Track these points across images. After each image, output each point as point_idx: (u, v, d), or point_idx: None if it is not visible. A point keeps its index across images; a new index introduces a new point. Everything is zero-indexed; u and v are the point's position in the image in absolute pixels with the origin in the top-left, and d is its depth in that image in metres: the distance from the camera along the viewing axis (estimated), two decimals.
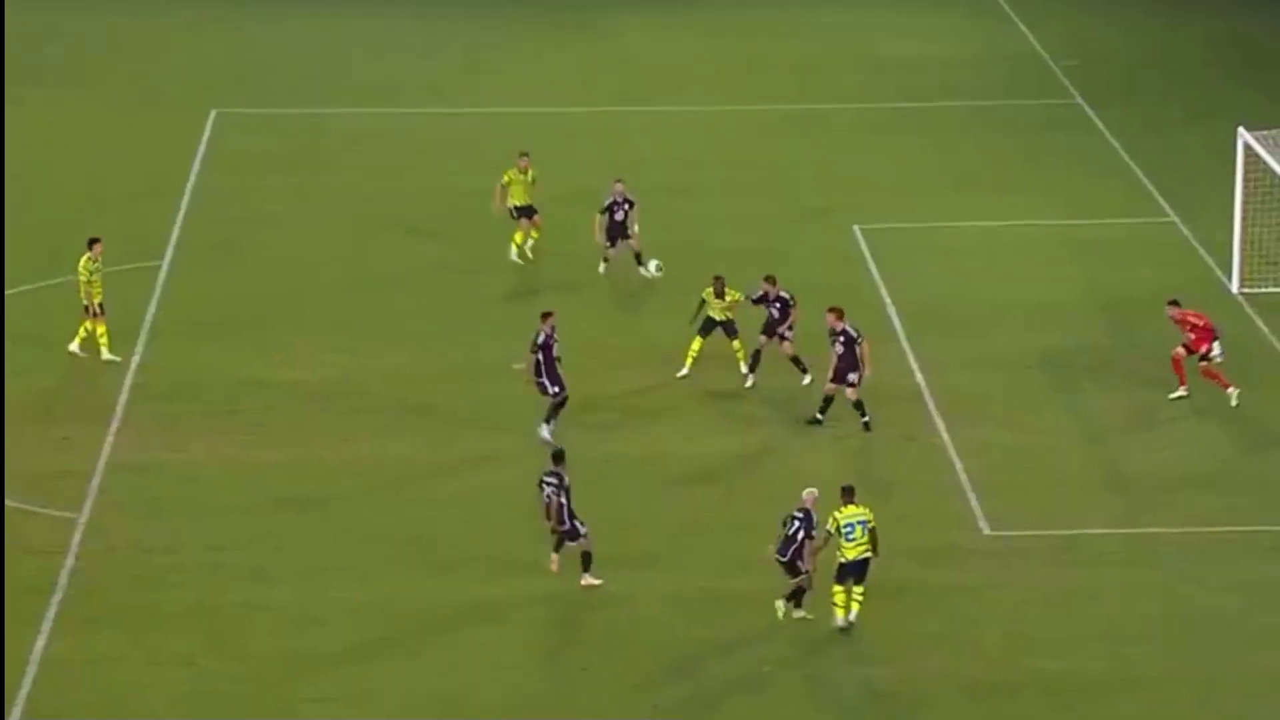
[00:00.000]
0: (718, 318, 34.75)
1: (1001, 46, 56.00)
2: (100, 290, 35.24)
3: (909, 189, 44.28)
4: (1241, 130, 38.96)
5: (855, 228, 41.15)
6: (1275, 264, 38.97)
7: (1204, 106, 49.51)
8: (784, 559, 27.69)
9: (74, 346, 35.44)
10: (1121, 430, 33.53)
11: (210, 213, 42.81)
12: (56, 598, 28.22)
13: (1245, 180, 38.84)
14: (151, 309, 37.68)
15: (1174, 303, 34.56)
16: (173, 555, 29.40)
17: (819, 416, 33.15)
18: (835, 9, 59.92)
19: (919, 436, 33.15)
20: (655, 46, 56.24)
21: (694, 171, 44.17)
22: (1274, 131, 38.68)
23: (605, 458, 31.93)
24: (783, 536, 27.73)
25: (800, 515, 27.70)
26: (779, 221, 42.02)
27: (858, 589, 27.59)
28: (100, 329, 35.35)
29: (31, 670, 26.57)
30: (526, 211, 39.34)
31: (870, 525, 27.53)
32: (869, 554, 27.54)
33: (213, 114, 49.20)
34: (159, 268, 39.57)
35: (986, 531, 30.14)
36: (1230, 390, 33.98)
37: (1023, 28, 57.38)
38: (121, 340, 36.03)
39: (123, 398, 34.22)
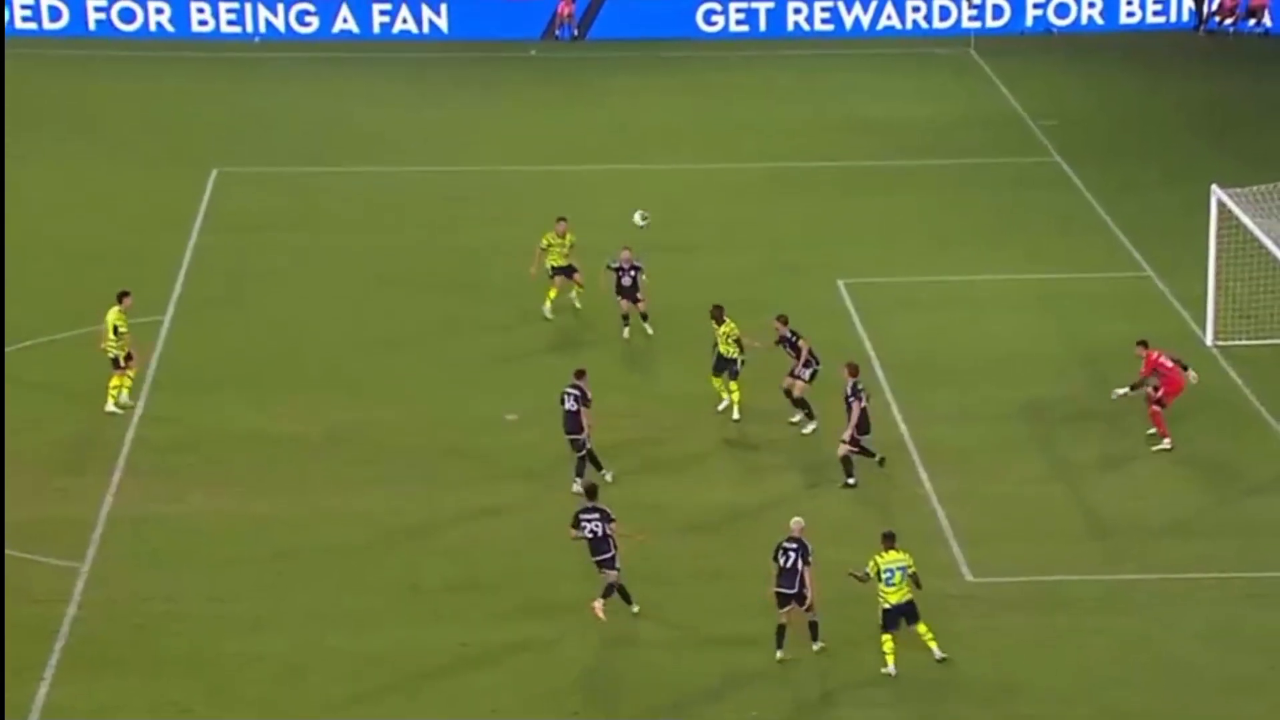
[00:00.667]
0: (724, 353, 34.89)
1: (982, 107, 56.29)
2: (129, 343, 35.42)
3: (892, 245, 44.42)
4: (1215, 188, 39.14)
5: (840, 282, 41.27)
6: (1248, 317, 39.11)
7: (1180, 167, 49.74)
8: (793, 591, 27.70)
9: (111, 407, 35.38)
10: (1100, 479, 33.58)
11: (212, 269, 42.90)
12: (59, 645, 28.17)
13: (1219, 236, 39.01)
14: (154, 363, 37.69)
15: (1143, 343, 34.70)
16: (173, 604, 29.37)
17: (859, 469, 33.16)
18: (820, 71, 60.31)
19: (903, 486, 33.19)
20: (644, 106, 56.52)
21: (681, 229, 44.28)
22: (1247, 190, 38.87)
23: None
24: (780, 571, 27.78)
25: (794, 545, 27.80)
26: (765, 277, 42.12)
27: (922, 628, 27.69)
28: (122, 380, 35.50)
29: (34, 718, 26.50)
30: (565, 271, 39.58)
31: (910, 570, 27.66)
32: (911, 596, 27.60)
33: (214, 173, 49.35)
34: (161, 322, 39.62)
35: (969, 579, 30.15)
36: (1166, 442, 34.17)
37: (1003, 88, 57.69)
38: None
39: (125, 449, 34.22)
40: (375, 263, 43.59)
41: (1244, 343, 38.67)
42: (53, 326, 38.76)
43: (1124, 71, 60.31)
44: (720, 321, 35.04)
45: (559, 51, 62.91)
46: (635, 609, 29.05)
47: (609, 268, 38.60)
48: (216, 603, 29.43)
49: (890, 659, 27.59)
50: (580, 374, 33.10)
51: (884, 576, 27.57)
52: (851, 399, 32.94)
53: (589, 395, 32.85)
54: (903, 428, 35.19)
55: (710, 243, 44.27)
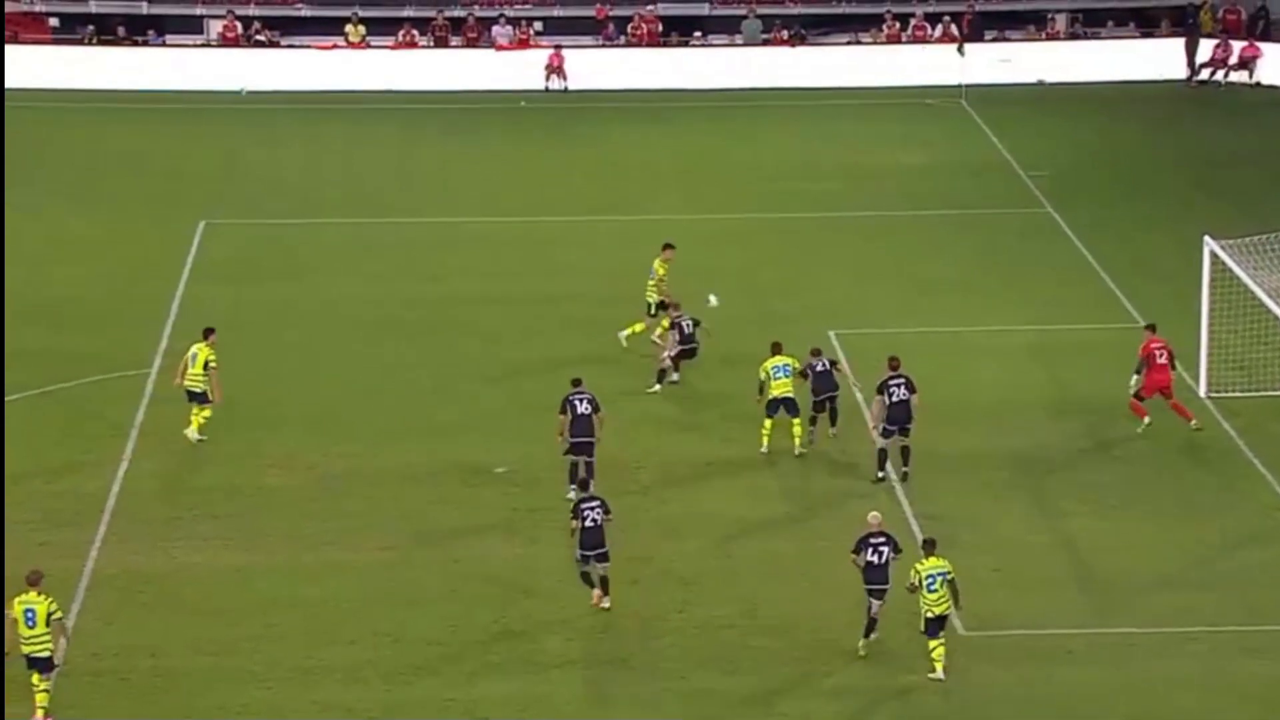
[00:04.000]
0: (778, 394, 35.61)
1: (971, 155, 56.49)
2: (215, 379, 36.23)
3: (883, 296, 44.52)
4: (1208, 239, 39.26)
5: (831, 333, 41.35)
6: (1241, 368, 39.19)
7: (1172, 217, 49.89)
8: (882, 587, 28.52)
9: (194, 435, 36.22)
10: (1089, 530, 33.58)
11: (199, 321, 42.59)
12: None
13: (1211, 287, 39.13)
14: (139, 415, 37.71)
15: (1151, 327, 37.23)
16: (159, 659, 29.30)
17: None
18: (808, 120, 60.56)
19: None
20: (631, 156, 56.69)
21: (672, 278, 44.34)
22: (1239, 240, 39.01)
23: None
24: (870, 565, 28.60)
25: (883, 539, 28.73)
26: (755, 327, 42.14)
27: (933, 642, 28.21)
28: (207, 412, 36.19)
29: None
30: (662, 306, 40.28)
31: (950, 576, 28.08)
32: (949, 610, 28.11)
33: (201, 224, 49.45)
34: (147, 375, 39.63)
35: (961, 632, 30.10)
36: (1145, 419, 36.51)
37: (992, 137, 57.92)
38: (110, 446, 36.12)
39: (110, 502, 34.20)
40: (363, 313, 43.65)
41: (1237, 394, 38.75)
42: (37, 380, 38.73)
43: (1116, 122, 60.53)
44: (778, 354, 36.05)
45: (549, 102, 63.12)
46: (608, 604, 30.02)
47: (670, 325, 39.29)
48: (202, 656, 29.38)
49: (939, 665, 28.09)
50: (579, 382, 34.19)
51: (926, 583, 27.83)
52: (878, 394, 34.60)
53: (598, 401, 33.89)
54: (892, 477, 35.23)
55: (699, 293, 44.30)
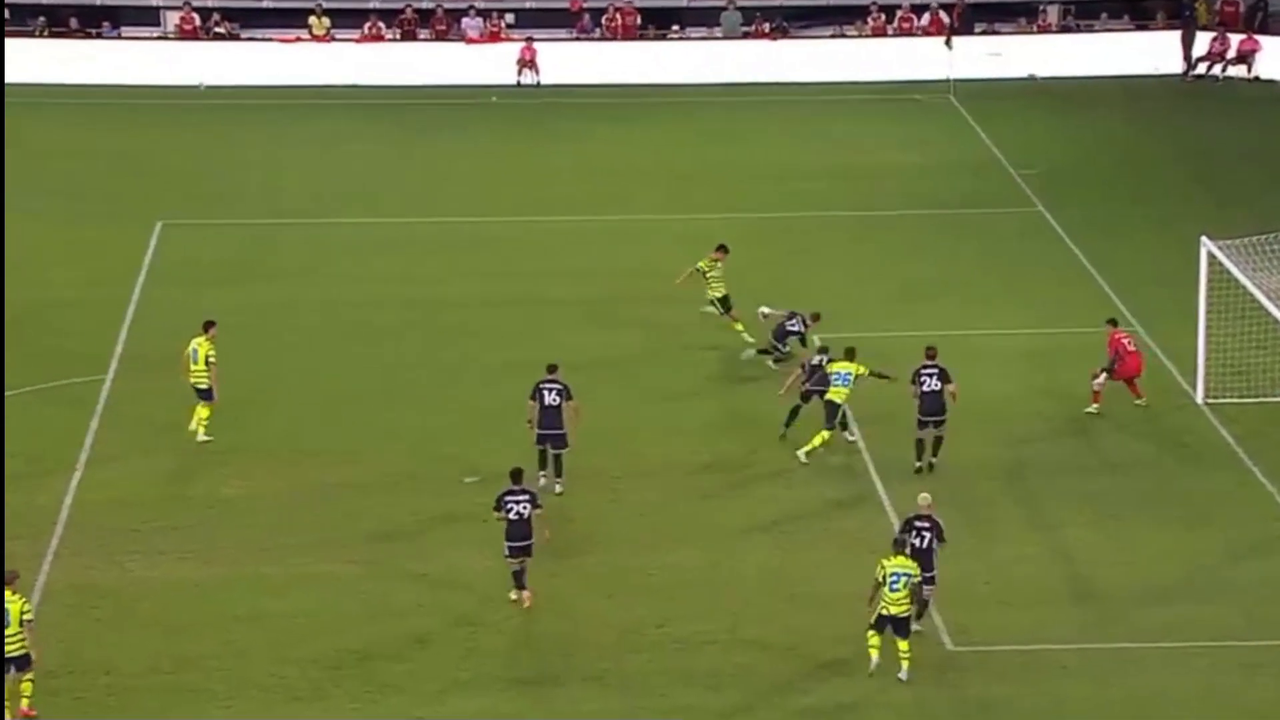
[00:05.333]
0: (839, 401, 36.02)
1: (959, 153, 56.57)
2: (215, 374, 36.40)
3: (869, 298, 44.56)
4: (1205, 239, 39.31)
5: (814, 338, 41.32)
6: (1241, 373, 39.24)
7: (1167, 216, 50.01)
8: (928, 574, 29.02)
9: (200, 435, 36.44)
10: (1084, 541, 33.61)
11: (155, 326, 42.78)
12: None
13: (1209, 289, 39.18)
14: (94, 424, 37.59)
15: (1112, 321, 38.76)
16: (113, 677, 29.18)
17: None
18: (790, 116, 60.60)
19: (878, 548, 33.10)
20: (607, 154, 56.69)
21: (649, 280, 44.35)
22: (1237, 240, 39.07)
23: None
24: (914, 549, 29.04)
25: (928, 525, 29.20)
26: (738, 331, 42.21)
27: (904, 645, 28.35)
28: (206, 411, 36.31)
29: None
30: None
31: (915, 579, 28.34)
32: (909, 611, 28.26)
33: (159, 225, 49.34)
34: (102, 381, 39.52)
35: (950, 647, 30.10)
36: (1093, 406, 37.92)
37: (981, 134, 58.00)
38: (63, 455, 36.00)
39: (63, 515, 34.07)
40: (328, 317, 43.58)
41: (1236, 400, 38.80)
42: None
43: (1109, 119, 60.67)
44: (851, 357, 36.36)
45: (520, 97, 63.08)
46: (525, 598, 30.36)
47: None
48: (160, 674, 29.25)
49: (875, 653, 28.41)
50: (554, 368, 34.36)
51: (889, 582, 27.96)
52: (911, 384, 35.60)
53: (571, 390, 33.96)
54: (879, 485, 35.25)
55: (680, 295, 44.29)
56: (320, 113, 60.79)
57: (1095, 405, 38.09)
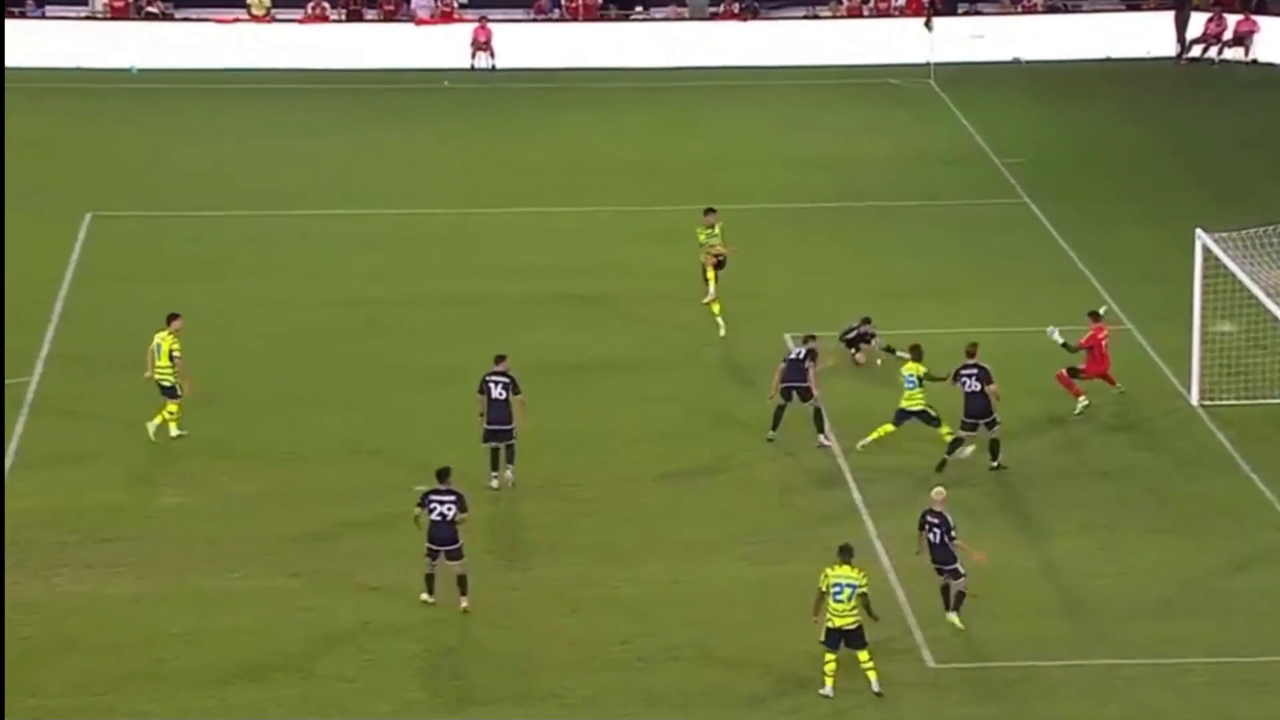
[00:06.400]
0: (911, 407, 36.28)
1: (940, 141, 56.76)
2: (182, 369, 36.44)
3: (843, 295, 44.60)
4: (1200, 232, 39.44)
5: (786, 336, 41.41)
6: (1237, 374, 39.40)
7: (1160, 207, 50.34)
8: (949, 566, 29.85)
9: (172, 430, 36.58)
10: (1075, 551, 33.72)
11: (84, 324, 42.72)
12: None
13: (1204, 285, 39.30)
14: (20, 429, 37.47)
15: (1095, 314, 38.68)
16: (40, 699, 29.08)
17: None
18: (760, 102, 60.76)
19: (856, 560, 33.12)
20: (566, 142, 56.76)
21: (611, 276, 44.44)
22: (1235, 233, 39.22)
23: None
24: (930, 544, 30.08)
25: (935, 519, 29.89)
26: (704, 328, 42.26)
27: (863, 656, 28.56)
28: (173, 407, 36.42)
29: None
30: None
31: (860, 590, 28.56)
32: (859, 622, 28.48)
33: (87, 217, 49.23)
34: (28, 384, 39.40)
35: (931, 664, 30.15)
36: (1083, 400, 38.18)
37: (964, 121, 58.19)
38: None
39: None
40: (268, 316, 43.54)
41: (1233, 403, 38.95)
42: None
43: (1099, 104, 60.92)
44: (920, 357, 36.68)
45: (474, 82, 63.09)
46: (465, 605, 30.55)
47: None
48: (90, 696, 29.17)
49: (829, 681, 28.52)
50: (501, 359, 34.58)
51: (832, 592, 28.05)
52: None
53: (519, 383, 34.23)
54: (855, 493, 35.31)
55: (643, 291, 44.39)
56: (260, 98, 60.74)
57: (1083, 399, 38.31)
